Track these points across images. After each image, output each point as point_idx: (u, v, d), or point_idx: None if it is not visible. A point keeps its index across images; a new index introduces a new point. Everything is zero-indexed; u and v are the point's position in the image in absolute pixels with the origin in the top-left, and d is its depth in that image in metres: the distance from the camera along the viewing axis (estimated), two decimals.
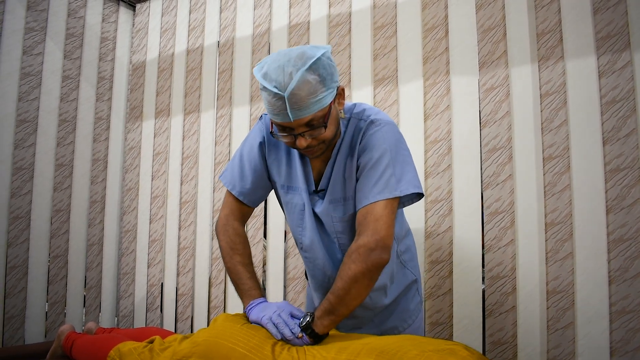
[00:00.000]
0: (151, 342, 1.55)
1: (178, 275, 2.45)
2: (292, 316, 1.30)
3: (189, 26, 2.56)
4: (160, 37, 2.66)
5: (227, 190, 1.50)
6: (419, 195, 1.36)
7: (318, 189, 1.43)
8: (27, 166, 2.29)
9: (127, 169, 2.71)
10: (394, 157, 1.31)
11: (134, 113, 2.72)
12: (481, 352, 1.74)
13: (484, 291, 1.79)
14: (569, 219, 1.64)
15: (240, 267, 1.44)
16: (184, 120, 2.53)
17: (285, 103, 1.17)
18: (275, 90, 1.17)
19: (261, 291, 1.41)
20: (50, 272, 2.37)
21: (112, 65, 2.67)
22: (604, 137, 1.61)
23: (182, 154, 2.52)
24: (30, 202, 2.29)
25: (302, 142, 1.25)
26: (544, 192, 1.69)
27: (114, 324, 2.62)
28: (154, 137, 2.62)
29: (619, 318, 1.53)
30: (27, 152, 2.29)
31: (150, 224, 2.58)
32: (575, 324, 1.59)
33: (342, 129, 1.39)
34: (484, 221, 1.79)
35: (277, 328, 1.26)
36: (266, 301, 1.38)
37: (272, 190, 1.55)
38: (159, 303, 2.50)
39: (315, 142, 1.27)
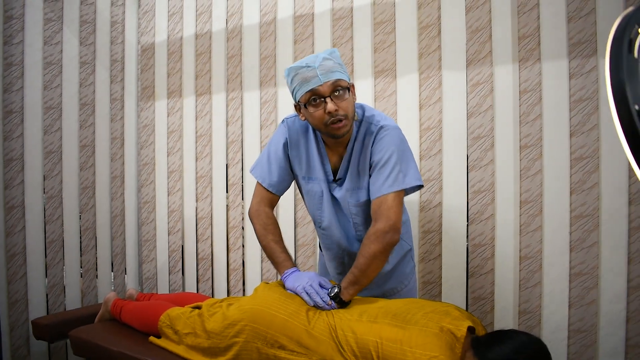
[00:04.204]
0: (196, 307, 1.86)
1: (197, 242, 2.74)
2: (321, 286, 1.62)
3: (196, 11, 2.71)
4: (168, 21, 2.80)
5: (258, 182, 1.79)
6: (419, 187, 1.68)
7: (336, 178, 1.74)
8: (56, 149, 2.50)
9: (143, 145, 2.93)
10: (400, 156, 1.62)
11: (146, 93, 2.90)
12: (464, 306, 2.10)
13: (467, 256, 2.11)
14: (540, 198, 1.96)
15: (273, 244, 1.75)
16: (196, 101, 2.73)
17: (316, 71, 1.51)
18: (309, 64, 1.52)
19: (293, 262, 1.73)
20: (82, 243, 2.63)
21: (123, 48, 2.83)
22: (571, 130, 1.88)
23: (196, 132, 2.74)
24: (60, 182, 2.52)
25: (331, 105, 1.54)
26: (520, 175, 1.98)
27: (137, 285, 2.92)
28: (167, 116, 2.83)
29: (576, 279, 1.88)
30: (54, 137, 2.49)
31: (168, 196, 2.83)
32: (542, 284, 1.94)
33: (355, 129, 1.68)
34: (469, 198, 2.08)
35: (310, 297, 1.58)
36: (298, 270, 1.70)
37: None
38: (180, 267, 2.80)
39: (341, 112, 1.55)
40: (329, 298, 1.58)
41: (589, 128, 1.87)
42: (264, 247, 1.78)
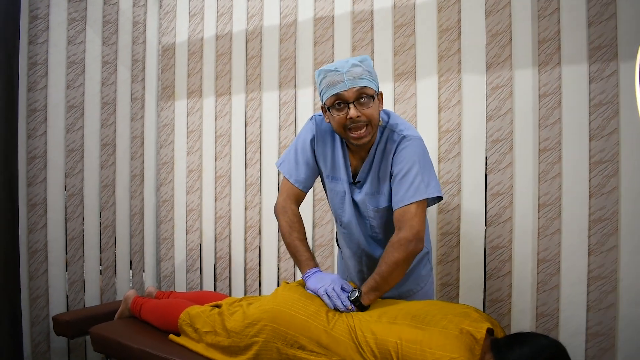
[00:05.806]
0: (216, 306, 1.88)
1: (215, 241, 2.77)
2: (343, 289, 1.64)
3: (217, 12, 2.75)
4: (189, 21, 2.84)
5: (285, 178, 1.82)
6: (439, 199, 1.69)
7: (355, 181, 1.76)
8: (77, 148, 2.54)
9: (162, 144, 2.96)
10: (422, 167, 1.63)
11: (166, 92, 2.94)
12: (482, 308, 2.11)
13: (485, 259, 2.12)
14: (558, 201, 1.96)
15: (298, 242, 1.77)
16: (216, 101, 2.77)
17: (344, 76, 1.54)
18: (337, 69, 1.56)
19: (315, 262, 1.75)
20: (102, 241, 2.67)
21: (144, 48, 2.86)
22: (590, 134, 1.89)
23: (215, 132, 2.77)
24: (82, 179, 2.56)
25: (353, 112, 1.57)
26: (539, 178, 1.99)
27: (155, 283, 2.95)
28: (187, 116, 2.86)
29: (595, 282, 1.89)
30: (76, 135, 2.53)
31: (187, 195, 2.87)
32: (560, 287, 1.95)
33: (378, 134, 1.69)
34: (487, 201, 2.10)
35: (331, 299, 1.60)
36: (320, 271, 1.71)
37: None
38: (198, 265, 2.83)
39: (363, 118, 1.58)
40: (349, 302, 1.60)
41: (608, 132, 1.87)
42: (288, 245, 1.79)
